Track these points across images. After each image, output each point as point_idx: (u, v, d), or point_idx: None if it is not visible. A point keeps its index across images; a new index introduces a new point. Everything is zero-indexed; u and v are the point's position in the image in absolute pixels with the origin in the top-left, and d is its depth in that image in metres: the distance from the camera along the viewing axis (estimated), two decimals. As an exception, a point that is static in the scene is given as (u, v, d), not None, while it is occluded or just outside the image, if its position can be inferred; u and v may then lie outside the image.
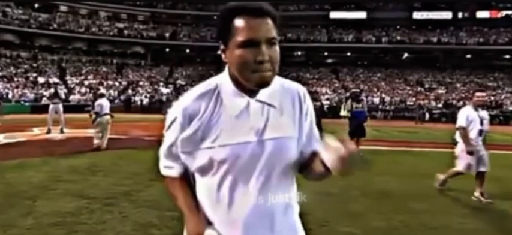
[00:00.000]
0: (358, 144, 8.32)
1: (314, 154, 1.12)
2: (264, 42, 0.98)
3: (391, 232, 3.55)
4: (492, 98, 31.99)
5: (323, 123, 10.70)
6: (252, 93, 1.05)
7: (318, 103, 11.15)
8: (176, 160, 1.13)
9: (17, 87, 28.72)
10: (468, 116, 4.77)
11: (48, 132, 11.23)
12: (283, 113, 1.09)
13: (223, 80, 1.08)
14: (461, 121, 4.79)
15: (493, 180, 4.79)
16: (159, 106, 27.03)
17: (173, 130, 1.08)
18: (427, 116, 27.03)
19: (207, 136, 1.03)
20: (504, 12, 39.27)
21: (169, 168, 1.16)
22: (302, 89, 1.16)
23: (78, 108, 20.83)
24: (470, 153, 4.67)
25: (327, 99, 31.12)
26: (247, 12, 0.99)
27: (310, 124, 1.16)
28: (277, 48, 1.02)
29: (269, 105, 1.07)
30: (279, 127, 1.07)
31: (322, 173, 1.06)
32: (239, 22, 0.99)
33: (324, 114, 12.11)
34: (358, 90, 10.52)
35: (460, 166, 4.83)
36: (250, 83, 1.01)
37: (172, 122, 1.08)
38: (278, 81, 1.12)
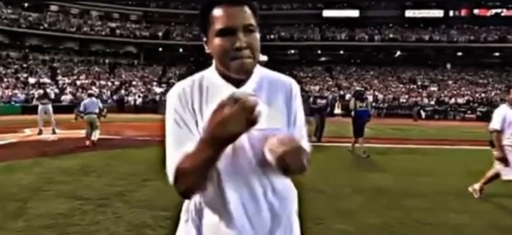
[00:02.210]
0: (357, 142, 8.35)
1: None
2: (241, 29, 0.98)
3: (385, 229, 3.55)
4: (483, 95, 32.46)
5: (326, 121, 10.74)
6: (238, 84, 1.04)
7: (324, 101, 10.98)
8: (186, 141, 1.00)
9: (7, 87, 28.31)
10: (505, 116, 4.15)
11: (40, 133, 11.09)
12: (271, 105, 1.05)
13: (209, 73, 1.09)
14: (495, 123, 4.18)
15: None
16: (153, 106, 26.85)
17: (174, 116, 1.03)
18: (423, 113, 27.31)
19: (196, 127, 1.02)
20: (493, 11, 39.80)
21: (181, 152, 0.98)
22: (295, 85, 1.13)
23: (70, 108, 20.56)
24: (503, 160, 4.14)
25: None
26: (224, 2, 1.00)
27: (299, 121, 1.12)
28: (256, 35, 1.02)
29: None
30: (266, 119, 1.00)
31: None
32: (217, 12, 1.00)
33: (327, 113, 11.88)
34: (362, 89, 10.47)
35: (508, 174, 4.19)
36: (231, 71, 1.01)
37: (171, 110, 1.04)
38: (268, 74, 1.11)
